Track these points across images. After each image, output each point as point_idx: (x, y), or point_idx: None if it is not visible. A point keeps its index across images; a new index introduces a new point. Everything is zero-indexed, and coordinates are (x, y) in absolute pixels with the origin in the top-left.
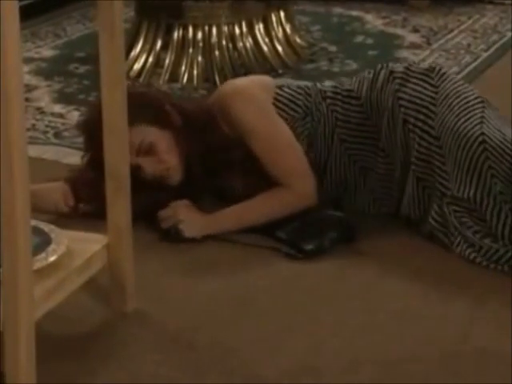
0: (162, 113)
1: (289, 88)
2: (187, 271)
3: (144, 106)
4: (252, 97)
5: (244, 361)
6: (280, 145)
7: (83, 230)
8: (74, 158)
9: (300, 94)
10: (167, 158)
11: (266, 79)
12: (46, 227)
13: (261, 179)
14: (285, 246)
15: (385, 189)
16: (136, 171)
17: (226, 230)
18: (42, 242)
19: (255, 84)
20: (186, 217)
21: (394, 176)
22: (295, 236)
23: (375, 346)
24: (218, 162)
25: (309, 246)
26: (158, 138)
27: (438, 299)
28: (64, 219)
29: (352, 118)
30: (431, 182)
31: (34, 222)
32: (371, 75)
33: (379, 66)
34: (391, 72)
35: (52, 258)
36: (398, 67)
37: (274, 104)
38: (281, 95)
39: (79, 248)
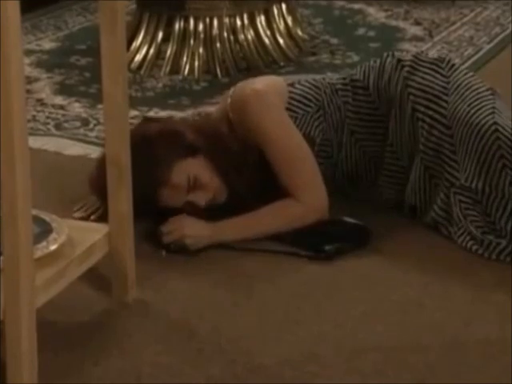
0: (187, 143)
1: (299, 84)
2: (189, 261)
3: (170, 144)
4: (272, 104)
5: (246, 350)
6: (296, 157)
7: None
8: (75, 149)
9: (310, 88)
10: (213, 185)
11: (278, 81)
12: (47, 216)
13: (270, 187)
14: (303, 250)
15: (390, 178)
16: (189, 207)
17: (230, 240)
18: (43, 231)
19: (272, 88)
20: (191, 230)
21: (400, 165)
22: (313, 240)
23: (377, 336)
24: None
25: (329, 247)
26: (198, 168)
27: (441, 289)
28: (65, 209)
29: (361, 108)
30: (439, 172)
31: (34, 212)
32: (377, 64)
33: (385, 54)
34: (399, 60)
35: (53, 247)
36: (406, 56)
37: (289, 103)
38: (294, 93)
39: (80, 237)
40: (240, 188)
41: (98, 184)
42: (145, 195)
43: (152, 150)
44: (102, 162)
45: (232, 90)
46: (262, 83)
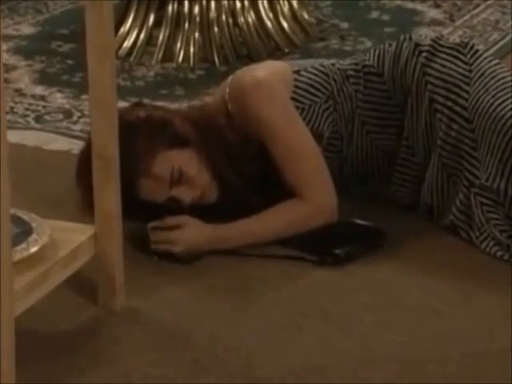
0: (175, 132)
1: (306, 71)
2: (181, 267)
3: (155, 131)
4: (275, 93)
5: (245, 360)
6: (301, 153)
7: (68, 219)
8: (57, 143)
9: (317, 75)
10: (200, 180)
11: (283, 68)
12: (26, 216)
13: (273, 186)
14: (309, 254)
15: (403, 175)
16: (172, 204)
17: (232, 246)
18: (23, 232)
19: (275, 76)
20: (183, 246)
21: (415, 161)
22: (321, 243)
23: (389, 345)
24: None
25: (338, 251)
26: (184, 161)
27: (460, 296)
28: (45, 207)
29: (373, 97)
30: (458, 170)
31: (12, 210)
32: (393, 48)
33: (402, 37)
34: (417, 45)
35: (33, 249)
36: (424, 40)
37: (294, 92)
38: (300, 81)
39: (63, 238)
40: (236, 186)
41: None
42: (125, 186)
43: (135, 136)
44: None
45: (231, 78)
46: (263, 70)
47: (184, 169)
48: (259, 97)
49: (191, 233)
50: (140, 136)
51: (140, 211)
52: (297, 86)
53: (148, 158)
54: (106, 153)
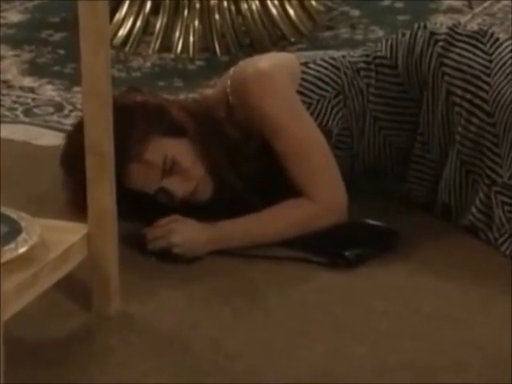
0: (172, 120)
1: (314, 63)
2: (182, 266)
3: (151, 117)
4: (279, 86)
5: (248, 368)
6: (308, 148)
7: (59, 217)
8: (47, 138)
9: (327, 68)
10: (194, 173)
11: (289, 59)
12: (15, 214)
13: (276, 184)
14: (317, 256)
15: (418, 172)
16: (163, 195)
17: (233, 246)
18: (11, 231)
19: (280, 67)
20: (181, 237)
21: (431, 158)
22: (329, 244)
23: (405, 353)
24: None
25: (348, 253)
26: (179, 150)
27: (479, 301)
28: (35, 205)
29: (386, 91)
30: (478, 167)
31: (1, 209)
32: (407, 37)
33: (416, 25)
34: (432, 33)
35: (22, 250)
36: (440, 28)
37: (301, 85)
38: (307, 73)
39: (54, 238)
40: (234, 184)
41: (76, 160)
42: (116, 173)
43: (129, 120)
44: (78, 130)
45: (232, 69)
46: (268, 61)
47: (178, 158)
48: (262, 89)
49: (188, 232)
50: (135, 120)
51: (130, 205)
52: (304, 79)
53: (141, 142)
54: (101, 148)
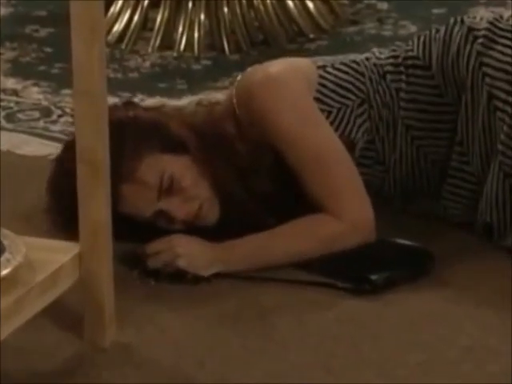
0: (169, 135)
1: (333, 68)
2: (184, 290)
3: (144, 133)
4: (289, 91)
5: None
6: (326, 156)
7: (47, 235)
8: (33, 147)
9: (348, 73)
10: (197, 193)
11: (304, 63)
12: None
13: (295, 202)
14: (339, 281)
15: (456, 188)
16: (162, 221)
17: (242, 267)
18: None
19: (293, 72)
20: (185, 249)
21: (470, 171)
22: (354, 267)
23: None
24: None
25: (375, 277)
26: (178, 167)
27: None
28: (20, 222)
29: (419, 95)
30: None
31: None
32: (441, 34)
33: (452, 20)
34: (470, 29)
35: (5, 272)
36: (480, 23)
37: (319, 92)
38: (325, 78)
39: (41, 258)
40: (245, 202)
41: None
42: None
43: (119, 137)
44: (70, 152)
45: (239, 77)
46: (278, 66)
47: (177, 176)
48: (269, 95)
49: (192, 246)
50: (125, 136)
51: (128, 232)
52: (322, 85)
53: (133, 160)
54: (95, 156)
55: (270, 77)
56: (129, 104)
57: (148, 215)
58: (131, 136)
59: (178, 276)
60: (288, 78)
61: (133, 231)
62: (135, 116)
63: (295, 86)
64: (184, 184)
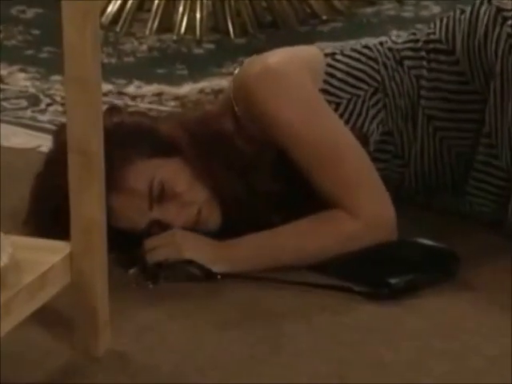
0: (158, 137)
1: (343, 55)
2: (185, 293)
3: (128, 139)
4: (290, 82)
5: None
6: (336, 150)
7: (35, 234)
8: (19, 138)
9: (359, 60)
10: (193, 196)
11: (310, 51)
12: None
13: (304, 200)
14: (356, 284)
15: (483, 183)
16: (156, 230)
17: (248, 267)
18: None
19: (296, 62)
20: (190, 244)
21: (499, 166)
22: (372, 269)
23: None
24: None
25: (395, 280)
26: (169, 171)
27: None
28: (6, 220)
29: (442, 83)
30: None
31: None
32: (467, 15)
33: (478, 0)
34: (499, 10)
35: None
36: (509, 3)
37: (326, 82)
38: (334, 67)
39: (29, 258)
40: (248, 202)
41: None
42: None
43: (107, 145)
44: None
45: (237, 69)
46: (278, 56)
47: (168, 181)
48: (267, 87)
49: (194, 241)
50: (113, 144)
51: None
52: (330, 74)
53: (118, 169)
54: (88, 147)
55: (268, 69)
56: (113, 110)
57: (143, 226)
58: (117, 144)
59: (181, 274)
60: (289, 70)
61: (131, 243)
62: (120, 122)
63: (297, 77)
64: (178, 189)
